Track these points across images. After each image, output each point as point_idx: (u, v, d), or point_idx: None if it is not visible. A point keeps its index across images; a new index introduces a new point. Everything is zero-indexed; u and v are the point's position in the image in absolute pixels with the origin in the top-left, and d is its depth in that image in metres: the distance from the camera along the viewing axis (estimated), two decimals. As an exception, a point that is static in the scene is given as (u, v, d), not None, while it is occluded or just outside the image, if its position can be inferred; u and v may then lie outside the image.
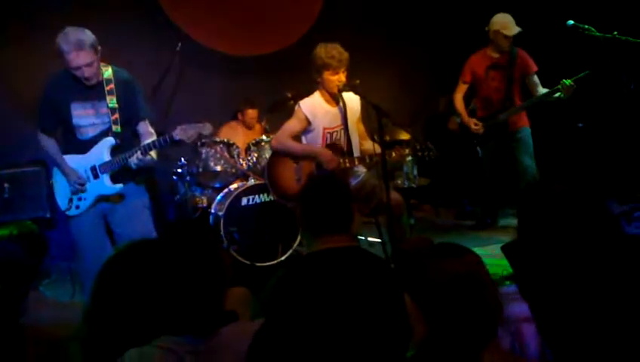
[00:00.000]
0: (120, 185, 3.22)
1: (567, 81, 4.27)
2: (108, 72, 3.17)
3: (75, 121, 3.16)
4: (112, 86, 3.15)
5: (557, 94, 4.39)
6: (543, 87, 4.62)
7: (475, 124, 4.77)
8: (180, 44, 4.53)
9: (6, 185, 4.48)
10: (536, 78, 4.68)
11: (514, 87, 4.73)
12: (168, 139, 3.10)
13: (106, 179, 3.19)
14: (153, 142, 3.13)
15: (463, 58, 4.95)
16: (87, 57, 2.97)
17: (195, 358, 1.27)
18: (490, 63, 4.75)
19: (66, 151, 3.25)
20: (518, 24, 4.58)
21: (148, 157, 3.13)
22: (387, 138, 5.35)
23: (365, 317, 1.76)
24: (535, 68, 4.68)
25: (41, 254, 2.08)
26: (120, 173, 3.21)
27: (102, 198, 3.25)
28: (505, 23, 4.59)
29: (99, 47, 3.04)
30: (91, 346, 1.36)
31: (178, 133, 3.08)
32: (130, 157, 3.10)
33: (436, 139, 4.93)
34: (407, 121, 5.12)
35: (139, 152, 3.08)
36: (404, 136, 5.55)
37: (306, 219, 2.07)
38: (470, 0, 5.82)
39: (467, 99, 4.98)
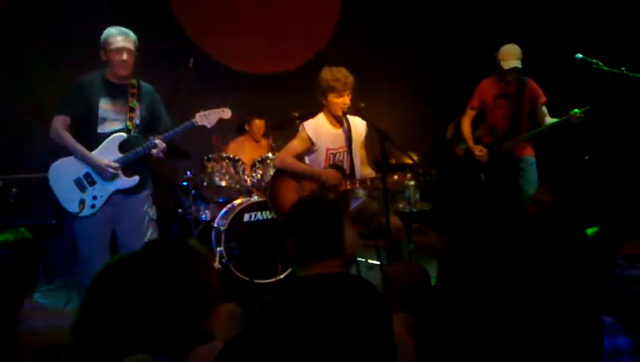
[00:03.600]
0: (136, 177, 3.36)
1: (577, 112, 4.26)
2: (134, 80, 3.42)
3: (101, 113, 3.31)
4: (135, 91, 3.38)
5: (563, 126, 4.38)
6: (551, 117, 4.61)
7: (480, 151, 4.76)
8: (192, 60, 4.59)
9: (13, 189, 4.51)
10: (544, 109, 4.63)
11: (521, 117, 4.69)
12: (189, 126, 3.33)
13: (121, 174, 3.33)
14: (175, 130, 3.34)
15: (470, 84, 4.96)
16: (130, 45, 3.31)
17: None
18: (499, 92, 4.71)
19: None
20: (526, 55, 4.57)
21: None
22: (393, 161, 5.39)
23: (353, 344, 1.75)
24: (544, 99, 4.64)
25: (36, 261, 2.10)
26: (129, 166, 3.35)
27: (116, 192, 3.36)
28: (505, 54, 4.54)
29: (137, 52, 3.35)
30: (77, 358, 1.38)
31: (198, 120, 3.33)
32: (152, 147, 3.28)
33: (443, 165, 4.94)
34: (412, 146, 5.14)
35: (159, 141, 3.29)
36: (408, 160, 5.55)
37: (296, 244, 1.96)
38: (480, 27, 5.86)
39: (475, 125, 4.98)
